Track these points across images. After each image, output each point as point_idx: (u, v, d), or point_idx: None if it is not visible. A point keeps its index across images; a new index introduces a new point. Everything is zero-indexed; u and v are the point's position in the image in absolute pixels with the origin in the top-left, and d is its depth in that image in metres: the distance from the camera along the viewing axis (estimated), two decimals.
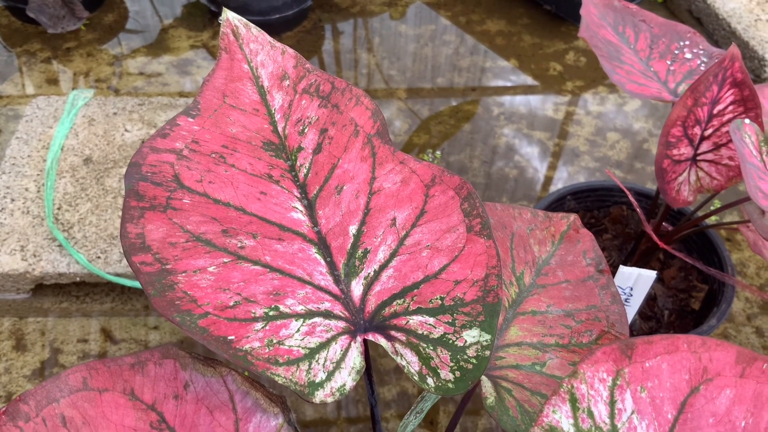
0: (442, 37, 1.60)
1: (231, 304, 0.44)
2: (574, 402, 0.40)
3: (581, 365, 0.41)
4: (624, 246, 1.03)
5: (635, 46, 0.91)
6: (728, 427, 0.40)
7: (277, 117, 0.54)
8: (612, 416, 0.40)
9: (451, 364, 0.46)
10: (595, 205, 1.07)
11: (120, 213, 1.09)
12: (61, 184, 1.12)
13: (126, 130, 1.21)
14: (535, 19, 1.64)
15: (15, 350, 1.02)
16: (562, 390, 0.40)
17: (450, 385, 0.46)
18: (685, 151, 0.78)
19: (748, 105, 0.76)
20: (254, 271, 0.46)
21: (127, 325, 1.06)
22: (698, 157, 0.80)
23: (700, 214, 1.16)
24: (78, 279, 1.03)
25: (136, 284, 1.04)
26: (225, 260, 0.46)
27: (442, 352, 0.47)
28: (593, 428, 0.40)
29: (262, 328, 0.44)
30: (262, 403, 0.45)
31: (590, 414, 0.40)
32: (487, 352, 0.47)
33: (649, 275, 0.79)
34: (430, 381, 0.46)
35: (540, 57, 1.55)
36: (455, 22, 1.64)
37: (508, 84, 1.49)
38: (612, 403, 0.40)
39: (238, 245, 0.47)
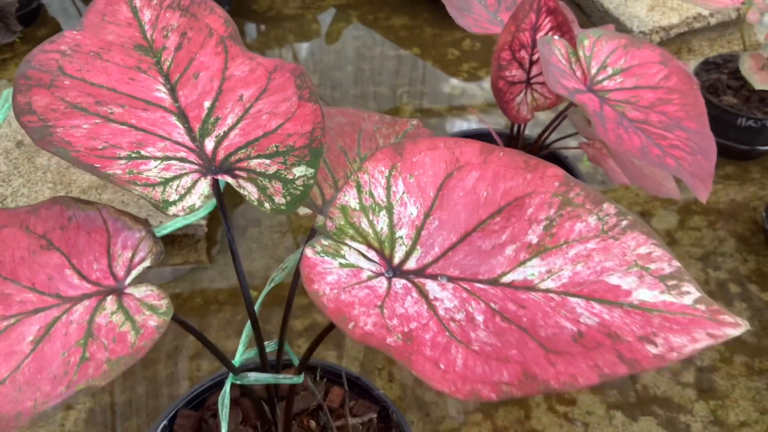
0: (352, 33, 1.76)
1: (100, 147, 0.57)
2: (359, 188, 0.53)
3: (365, 163, 0.54)
4: None
5: (485, 2, 1.07)
6: (474, 197, 0.53)
7: (147, 27, 0.67)
8: (388, 196, 0.53)
9: (283, 191, 0.59)
10: None
11: (50, 185, 1.20)
12: None
13: None
14: (435, 14, 1.82)
15: None
16: (350, 180, 0.53)
17: (283, 207, 0.59)
18: (517, 73, 0.93)
19: (563, 29, 0.91)
20: (121, 129, 0.59)
21: None
22: (531, 80, 0.95)
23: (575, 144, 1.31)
24: None
25: None
26: (97, 121, 0.59)
27: (275, 183, 0.59)
28: (374, 204, 0.53)
29: (125, 163, 0.56)
30: (129, 224, 0.57)
31: (371, 195, 0.53)
32: (311, 181, 0.59)
33: None
34: (266, 204, 0.59)
35: (440, 45, 1.72)
36: (363, 21, 1.80)
37: (411, 68, 1.65)
38: (388, 187, 0.53)
39: (109, 111, 0.60)
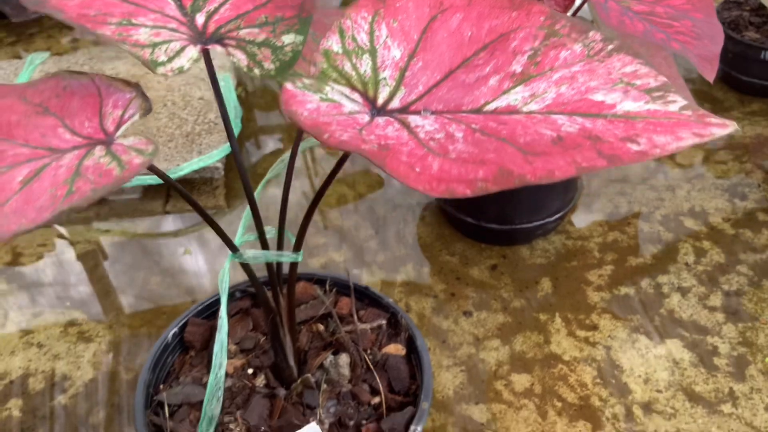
0: None
1: (92, 14, 0.58)
2: (342, 33, 0.53)
3: (348, 9, 0.54)
4: None
5: None
6: (458, 37, 0.52)
7: None
8: (371, 41, 0.53)
9: (272, 57, 0.59)
10: None
11: None
12: None
13: None
14: None
15: None
16: (333, 26, 0.53)
17: (272, 72, 0.59)
18: None
19: None
20: (114, 2, 0.60)
21: (81, 230, 1.18)
22: None
23: None
24: None
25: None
26: None
27: (264, 50, 0.59)
28: (357, 49, 0.53)
29: (115, 27, 0.57)
30: (120, 87, 0.57)
31: (354, 39, 0.53)
32: (300, 47, 0.59)
33: None
34: (256, 70, 0.59)
35: None
36: None
37: None
38: (371, 32, 0.53)
39: None
